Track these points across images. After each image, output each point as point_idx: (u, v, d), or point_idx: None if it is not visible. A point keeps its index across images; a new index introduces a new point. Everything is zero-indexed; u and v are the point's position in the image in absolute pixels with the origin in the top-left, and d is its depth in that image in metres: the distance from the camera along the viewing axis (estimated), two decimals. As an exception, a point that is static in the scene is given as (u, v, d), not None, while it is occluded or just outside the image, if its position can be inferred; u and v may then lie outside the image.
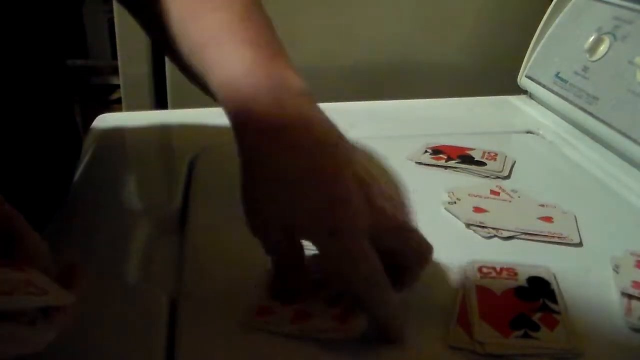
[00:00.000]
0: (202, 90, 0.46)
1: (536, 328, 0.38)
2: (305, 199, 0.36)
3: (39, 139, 0.50)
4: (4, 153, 0.45)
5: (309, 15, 0.90)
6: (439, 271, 0.44)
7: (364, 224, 0.36)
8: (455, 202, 0.54)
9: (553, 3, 0.77)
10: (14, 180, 0.46)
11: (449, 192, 0.55)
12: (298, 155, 0.37)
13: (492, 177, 0.59)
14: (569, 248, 0.48)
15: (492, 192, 0.55)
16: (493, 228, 0.49)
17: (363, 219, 0.36)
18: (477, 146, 0.64)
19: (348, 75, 0.92)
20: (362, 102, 0.78)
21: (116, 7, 0.88)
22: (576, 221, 0.51)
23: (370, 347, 0.37)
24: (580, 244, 0.48)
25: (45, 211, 0.51)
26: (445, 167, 0.61)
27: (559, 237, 0.48)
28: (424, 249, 0.39)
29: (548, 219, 0.51)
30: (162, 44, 0.50)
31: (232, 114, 0.39)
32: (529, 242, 0.48)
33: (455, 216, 0.51)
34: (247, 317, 0.39)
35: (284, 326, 0.38)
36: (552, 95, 0.72)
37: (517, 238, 0.49)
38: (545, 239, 0.48)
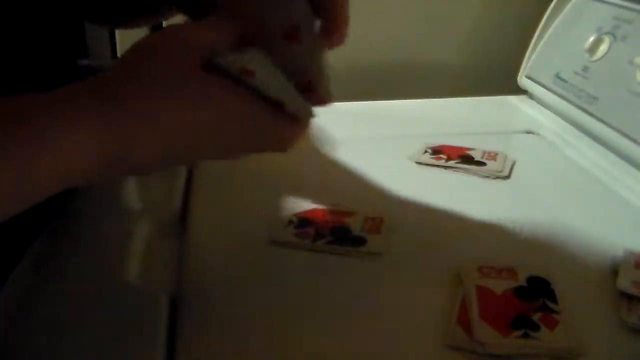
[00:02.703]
0: None
1: (536, 328, 0.38)
2: None
3: None
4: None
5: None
6: (439, 271, 0.44)
7: None
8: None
9: (553, 3, 0.77)
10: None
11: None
12: None
13: (492, 177, 0.59)
14: (568, 248, 0.48)
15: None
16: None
17: None
18: (477, 146, 0.64)
19: (348, 75, 0.92)
20: (362, 102, 0.78)
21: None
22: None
23: (370, 347, 0.37)
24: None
25: (46, 210, 0.51)
26: (445, 167, 0.61)
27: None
28: None
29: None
30: None
31: None
32: (529, 242, 0.48)
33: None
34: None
35: None
36: (552, 95, 0.72)
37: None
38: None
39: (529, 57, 0.79)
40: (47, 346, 0.37)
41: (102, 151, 0.31)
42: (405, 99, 0.80)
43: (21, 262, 0.46)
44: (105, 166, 0.32)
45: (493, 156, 0.62)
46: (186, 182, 0.58)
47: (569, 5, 0.76)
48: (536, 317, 0.39)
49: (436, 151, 0.63)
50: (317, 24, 0.40)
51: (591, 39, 0.68)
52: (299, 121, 0.38)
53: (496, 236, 0.49)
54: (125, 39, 0.92)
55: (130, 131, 0.32)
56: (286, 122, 0.37)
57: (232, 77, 0.35)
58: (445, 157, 0.62)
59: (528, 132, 0.71)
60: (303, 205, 0.52)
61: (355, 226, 0.49)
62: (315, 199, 0.53)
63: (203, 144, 0.36)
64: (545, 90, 0.74)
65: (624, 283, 0.42)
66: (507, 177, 0.59)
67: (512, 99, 0.81)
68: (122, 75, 0.34)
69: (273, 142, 0.38)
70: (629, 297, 0.41)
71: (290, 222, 0.50)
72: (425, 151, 0.63)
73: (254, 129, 0.36)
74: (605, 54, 0.66)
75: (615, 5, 0.68)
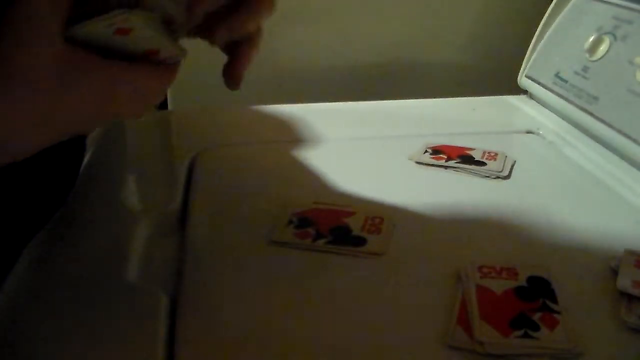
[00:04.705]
0: None
1: (536, 328, 0.38)
2: None
3: None
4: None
5: (309, 16, 0.90)
6: (439, 271, 0.44)
7: None
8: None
9: (553, 3, 0.77)
10: (16, 180, 0.46)
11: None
12: None
13: (492, 177, 0.59)
14: (568, 248, 0.48)
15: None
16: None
17: None
18: (477, 146, 0.64)
19: (348, 75, 0.92)
20: (363, 102, 0.78)
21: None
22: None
23: (370, 347, 0.37)
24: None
25: (46, 210, 0.51)
26: (445, 167, 0.61)
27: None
28: None
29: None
30: None
31: None
32: (529, 242, 0.48)
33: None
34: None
35: None
36: (552, 95, 0.72)
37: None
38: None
39: (529, 57, 0.79)
40: (46, 346, 0.37)
41: None
42: (406, 99, 0.80)
43: (19, 261, 0.46)
44: None
45: (493, 156, 0.62)
46: (186, 181, 0.58)
47: (569, 5, 0.76)
48: (536, 317, 0.39)
49: (436, 151, 0.63)
50: None
51: (591, 39, 0.68)
52: (162, 73, 0.39)
53: (496, 236, 0.50)
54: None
55: None
56: (144, 84, 0.38)
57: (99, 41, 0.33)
58: (445, 157, 0.62)
59: (528, 132, 0.71)
60: (303, 205, 0.52)
61: (355, 226, 0.49)
62: (315, 199, 0.53)
63: (75, 123, 0.35)
64: (545, 90, 0.74)
65: (624, 283, 0.42)
66: (507, 177, 0.59)
67: (512, 99, 0.81)
68: None
69: (131, 110, 0.38)
70: (629, 297, 0.41)
71: (290, 222, 0.50)
72: (426, 151, 0.63)
73: (114, 100, 0.36)
74: (605, 54, 0.66)
75: (615, 5, 0.68)
